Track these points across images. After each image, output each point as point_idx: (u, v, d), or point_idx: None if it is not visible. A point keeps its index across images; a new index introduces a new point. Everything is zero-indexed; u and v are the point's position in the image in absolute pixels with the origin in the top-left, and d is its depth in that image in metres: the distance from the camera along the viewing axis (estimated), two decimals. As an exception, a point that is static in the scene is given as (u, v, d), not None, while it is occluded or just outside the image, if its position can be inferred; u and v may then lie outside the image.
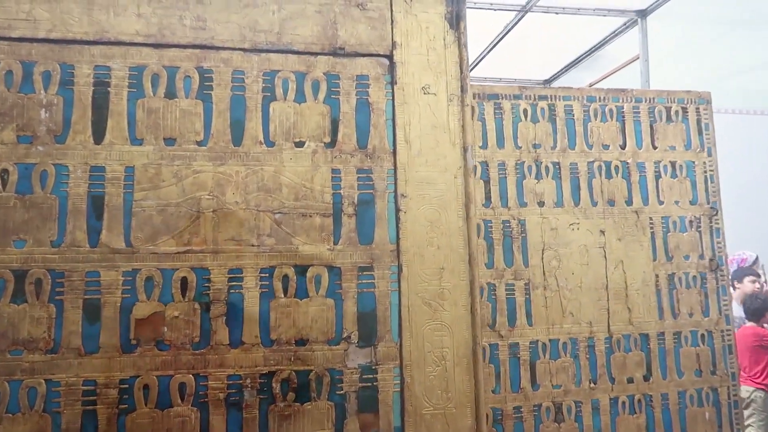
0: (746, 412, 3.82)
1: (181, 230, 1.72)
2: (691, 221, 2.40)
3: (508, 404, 2.15)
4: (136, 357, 1.59)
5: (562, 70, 5.73)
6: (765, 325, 3.81)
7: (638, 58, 4.55)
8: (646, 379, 2.28)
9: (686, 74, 5.40)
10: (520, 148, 2.28)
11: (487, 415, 2.05)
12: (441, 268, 1.89)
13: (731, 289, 4.20)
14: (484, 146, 2.24)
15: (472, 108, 2.23)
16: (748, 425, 3.80)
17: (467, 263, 1.92)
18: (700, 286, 2.38)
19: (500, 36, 4.81)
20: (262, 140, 1.87)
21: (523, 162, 2.27)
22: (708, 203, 2.42)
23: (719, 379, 2.34)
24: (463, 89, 1.96)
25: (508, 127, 2.28)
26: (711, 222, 2.42)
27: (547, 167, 2.29)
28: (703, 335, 2.36)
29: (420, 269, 1.88)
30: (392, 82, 1.94)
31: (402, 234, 1.88)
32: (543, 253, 2.25)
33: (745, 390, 3.80)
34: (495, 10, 4.32)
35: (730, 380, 2.35)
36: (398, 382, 1.85)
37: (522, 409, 2.16)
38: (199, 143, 1.70)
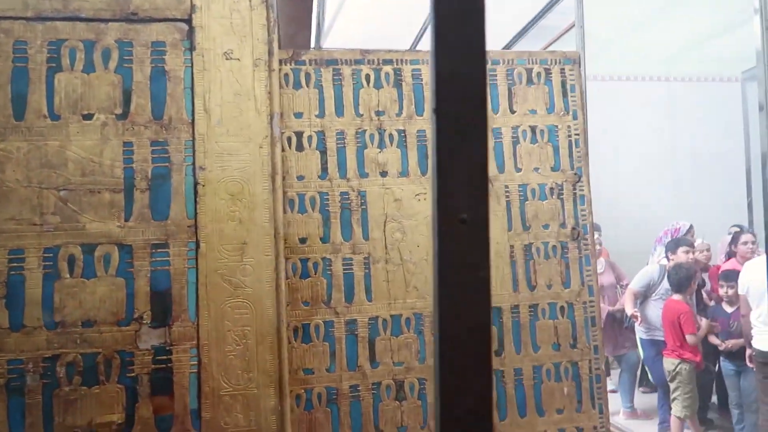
0: (672, 385, 3.73)
1: (-49, 211, 1.66)
2: (552, 188, 2.27)
3: (344, 383, 2.07)
4: None
5: (511, 41, 5.54)
6: (689, 297, 3.68)
7: (574, 25, 4.36)
8: (497, 354, 2.19)
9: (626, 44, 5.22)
10: (362, 115, 2.16)
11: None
12: (243, 243, 1.81)
13: (666, 260, 4.08)
14: (321, 115, 2.13)
15: (307, 74, 2.12)
16: (674, 398, 3.72)
17: (273, 237, 1.83)
18: (561, 257, 2.26)
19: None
20: (47, 114, 1.78)
21: (365, 130, 2.16)
22: (572, 169, 2.30)
23: (580, 353, 2.24)
24: (270, 53, 1.86)
25: (349, 94, 2.16)
26: (575, 189, 2.29)
27: (391, 135, 2.18)
28: (562, 307, 2.25)
29: (219, 245, 1.80)
30: (191, 48, 1.84)
31: (200, 209, 1.80)
32: (385, 226, 2.14)
33: (671, 362, 3.71)
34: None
35: (592, 353, 2.25)
36: (195, 362, 1.78)
37: (359, 388, 2.08)
38: (-30, 118, 1.63)
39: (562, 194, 2.28)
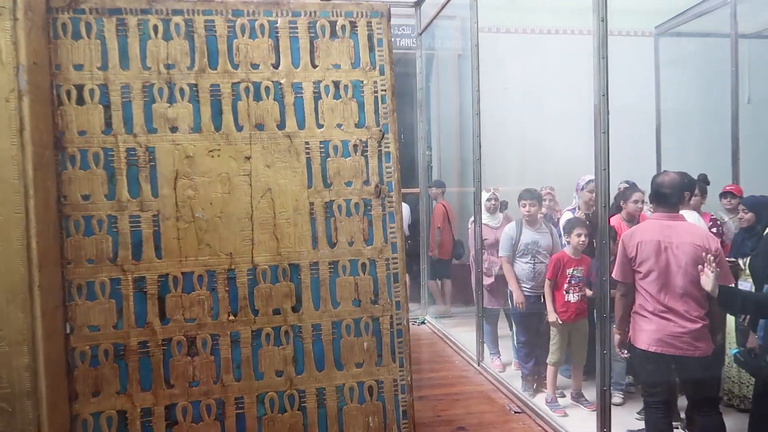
0: (551, 335, 3.82)
1: None
2: (355, 145, 2.25)
3: (132, 339, 2.08)
4: None
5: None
6: (567, 242, 3.74)
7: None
8: (295, 310, 2.21)
9: None
10: (149, 68, 2.09)
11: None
12: (-10, 201, 1.75)
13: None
14: (104, 67, 2.06)
15: (87, 24, 2.03)
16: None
17: (23, 195, 1.78)
18: (364, 214, 2.26)
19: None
20: None
21: (153, 84, 2.10)
22: (378, 126, 2.27)
23: (381, 309, 2.28)
24: (15, 1, 1.75)
25: (134, 46, 2.08)
26: (380, 146, 2.27)
27: (182, 90, 2.12)
28: (364, 264, 2.27)
29: (-36, 203, 1.73)
30: (-74, -5, 1.73)
31: (-59, 165, 1.73)
32: (176, 183, 2.11)
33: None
34: None
35: (393, 309, 2.28)
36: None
37: (149, 344, 2.09)
38: None
39: (367, 151, 2.26)
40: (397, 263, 2.29)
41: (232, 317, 2.15)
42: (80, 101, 2.04)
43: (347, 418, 2.25)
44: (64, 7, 2.01)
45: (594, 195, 3.49)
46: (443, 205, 6.05)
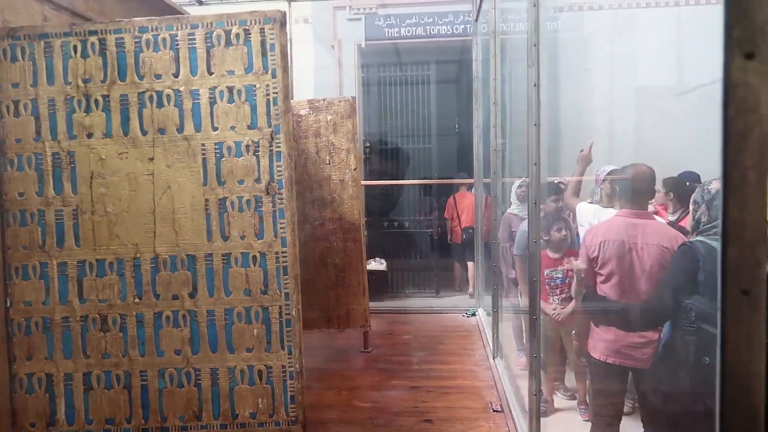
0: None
1: None
2: (248, 146, 2.41)
3: (57, 315, 2.45)
4: None
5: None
6: (546, 240, 3.57)
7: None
8: (192, 296, 2.44)
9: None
10: (70, 83, 2.44)
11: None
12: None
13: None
14: (35, 84, 2.44)
15: (22, 48, 2.42)
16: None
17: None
18: (255, 210, 2.42)
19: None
20: None
21: (73, 97, 2.44)
22: (269, 126, 2.41)
23: (270, 299, 2.42)
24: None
25: (59, 65, 2.44)
26: (271, 146, 2.41)
27: (96, 100, 2.44)
28: (255, 257, 2.43)
29: None
30: None
31: None
32: (92, 182, 2.44)
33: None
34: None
35: (282, 300, 2.42)
36: None
37: (70, 319, 2.46)
38: None
39: (258, 151, 2.41)
40: (286, 257, 2.42)
41: (137, 300, 2.44)
42: (17, 114, 2.44)
43: (238, 397, 2.44)
44: (4, 36, 2.42)
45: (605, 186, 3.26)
46: (454, 198, 6.05)
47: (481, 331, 5.34)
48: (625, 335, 2.61)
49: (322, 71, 7.16)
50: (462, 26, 6.79)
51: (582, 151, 3.58)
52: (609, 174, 3.81)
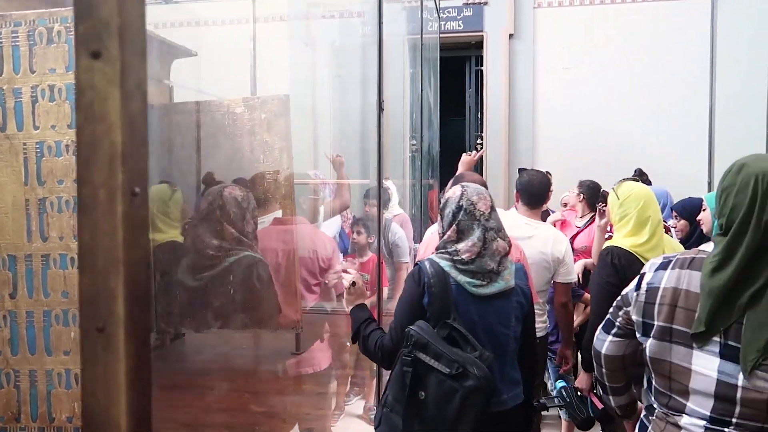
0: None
1: None
2: (67, 145, 2.37)
3: None
4: None
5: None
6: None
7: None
8: (12, 297, 2.41)
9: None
10: None
11: None
12: None
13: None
14: None
15: None
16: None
17: None
18: (74, 211, 2.37)
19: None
20: None
21: None
22: None
23: None
24: None
25: None
26: None
27: None
28: (73, 258, 2.38)
29: None
30: None
31: None
32: None
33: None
34: None
35: None
36: None
37: None
38: None
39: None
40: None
41: (-41, 299, 2.44)
42: None
43: (55, 401, 2.40)
44: None
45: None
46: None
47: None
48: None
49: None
50: (450, 23, 6.60)
51: None
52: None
